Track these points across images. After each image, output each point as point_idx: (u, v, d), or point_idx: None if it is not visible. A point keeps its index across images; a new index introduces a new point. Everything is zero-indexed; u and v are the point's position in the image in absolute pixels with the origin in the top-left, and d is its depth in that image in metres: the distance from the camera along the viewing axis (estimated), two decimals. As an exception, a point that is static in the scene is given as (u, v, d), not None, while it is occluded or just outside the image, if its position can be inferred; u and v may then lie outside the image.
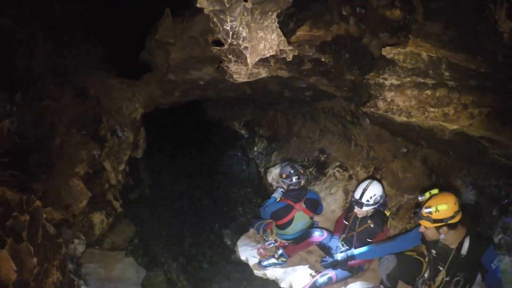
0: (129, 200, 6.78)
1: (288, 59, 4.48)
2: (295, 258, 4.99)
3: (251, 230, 5.69)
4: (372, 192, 4.30)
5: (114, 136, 6.02)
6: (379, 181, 4.88)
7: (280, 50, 4.25)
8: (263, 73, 4.87)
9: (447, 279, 3.42)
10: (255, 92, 7.26)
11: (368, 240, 4.34)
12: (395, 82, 4.18)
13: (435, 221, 3.23)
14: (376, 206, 4.33)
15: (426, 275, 3.67)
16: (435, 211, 3.21)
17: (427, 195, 3.37)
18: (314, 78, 5.53)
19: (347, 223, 4.62)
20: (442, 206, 3.22)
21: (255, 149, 9.04)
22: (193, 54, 5.97)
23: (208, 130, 11.23)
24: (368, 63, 4.66)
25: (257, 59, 3.92)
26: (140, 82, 6.90)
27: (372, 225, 4.34)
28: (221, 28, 3.56)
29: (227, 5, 3.31)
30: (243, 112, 10.71)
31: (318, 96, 6.35)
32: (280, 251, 4.88)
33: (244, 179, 8.28)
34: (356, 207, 4.36)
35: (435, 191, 3.37)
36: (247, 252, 5.24)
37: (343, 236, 4.61)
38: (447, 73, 3.87)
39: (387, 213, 4.50)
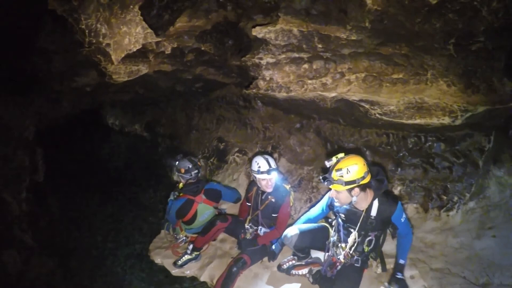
0: (39, 229, 6.20)
1: (167, 52, 4.35)
2: (209, 250, 4.97)
3: (162, 232, 5.55)
4: (272, 159, 4.41)
5: (6, 162, 5.45)
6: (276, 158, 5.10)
7: (156, 43, 4.11)
8: (144, 69, 4.74)
9: (359, 239, 3.55)
10: (148, 91, 7.08)
11: (273, 215, 4.44)
12: (271, 60, 4.28)
13: (347, 183, 3.20)
14: (278, 172, 4.45)
15: (335, 238, 3.77)
16: (347, 173, 3.18)
17: (334, 159, 3.32)
18: (200, 69, 5.50)
19: (249, 204, 4.69)
20: (353, 167, 3.19)
21: (159, 149, 8.83)
22: (77, 59, 5.59)
23: (110, 139, 10.72)
24: (245, 46, 4.70)
25: (123, 55, 3.76)
26: (26, 97, 6.32)
27: (273, 200, 4.43)
28: (77, 28, 3.35)
29: (75, 3, 3.12)
30: (143, 114, 10.42)
31: (209, 86, 6.35)
32: (191, 246, 4.82)
33: (155, 183, 8.02)
34: (266, 176, 4.37)
35: (341, 154, 3.33)
36: (161, 254, 5.11)
37: (249, 217, 4.67)
38: (320, 45, 4.03)
39: (287, 187, 4.59)
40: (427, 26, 3.47)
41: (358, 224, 3.48)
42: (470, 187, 4.38)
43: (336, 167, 3.23)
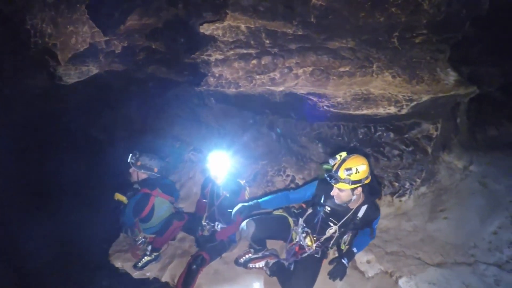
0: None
1: (117, 51, 4.29)
2: (169, 250, 4.97)
3: (121, 235, 5.47)
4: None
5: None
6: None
7: (106, 42, 4.05)
8: (95, 69, 4.69)
9: (338, 235, 3.67)
10: (102, 92, 6.95)
11: (229, 210, 4.42)
12: (220, 57, 4.34)
13: (353, 182, 3.25)
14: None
15: (307, 229, 3.80)
16: (356, 172, 3.23)
17: (339, 158, 3.36)
18: (152, 67, 5.47)
19: (205, 200, 4.72)
20: (361, 167, 3.25)
21: (116, 151, 8.64)
22: (25, 61, 5.42)
23: (66, 141, 10.37)
24: (196, 44, 4.69)
25: (70, 55, 3.69)
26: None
27: (228, 195, 4.48)
28: (23, 28, 3.29)
29: (20, 3, 3.05)
30: (99, 116, 10.14)
31: (163, 85, 6.29)
32: (150, 247, 4.82)
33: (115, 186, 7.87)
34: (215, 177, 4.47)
35: (344, 153, 3.38)
36: (121, 258, 5.06)
37: (206, 214, 4.69)
38: (267, 41, 4.11)
39: (242, 182, 4.65)
40: (371, 20, 3.61)
41: (342, 221, 3.59)
42: (420, 173, 4.56)
43: (345, 166, 3.26)
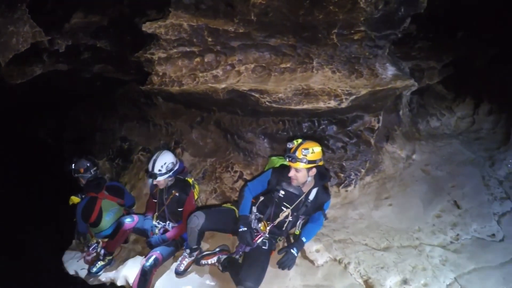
0: None
1: (61, 51, 4.23)
2: (122, 253, 4.95)
3: (74, 242, 5.41)
4: (162, 161, 4.38)
5: None
6: (173, 151, 5.12)
7: (49, 41, 3.99)
8: (38, 70, 4.62)
9: (291, 219, 3.84)
10: (48, 93, 6.79)
11: (179, 209, 4.50)
12: (163, 55, 4.36)
13: (309, 162, 3.54)
14: (171, 173, 4.45)
15: (261, 215, 3.92)
16: (312, 152, 3.55)
17: (295, 142, 3.68)
18: (98, 67, 5.43)
19: (155, 200, 4.70)
20: (317, 148, 3.60)
21: (65, 155, 8.50)
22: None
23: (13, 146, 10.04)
24: (140, 42, 4.69)
25: (11, 56, 3.62)
26: None
27: (177, 194, 4.49)
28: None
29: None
30: (46, 119, 9.90)
31: (110, 84, 6.24)
32: (102, 251, 4.75)
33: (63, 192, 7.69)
34: (152, 179, 4.43)
35: (299, 140, 3.71)
36: (74, 265, 4.99)
37: (156, 214, 4.68)
38: (210, 39, 4.18)
39: (190, 180, 4.67)
40: (311, 17, 3.72)
41: (295, 204, 3.78)
42: (364, 164, 4.79)
43: (303, 147, 3.58)
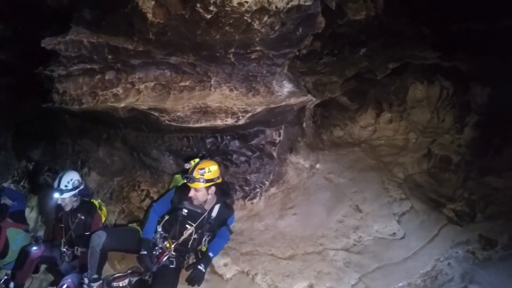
0: None
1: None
2: (34, 285, 4.70)
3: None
4: (68, 177, 4.32)
5: None
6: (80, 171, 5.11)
7: None
8: None
9: (196, 236, 3.90)
10: None
11: (86, 233, 4.36)
12: (63, 72, 4.30)
13: (207, 181, 3.68)
14: (76, 191, 4.37)
15: (166, 234, 3.94)
16: (208, 172, 3.69)
17: (192, 163, 3.83)
18: (2, 80, 5.19)
19: (62, 225, 4.53)
20: (213, 167, 3.75)
21: None
22: None
23: None
24: (40, 58, 4.58)
25: None
26: None
27: (83, 217, 4.40)
28: None
29: None
30: None
31: (14, 101, 5.99)
32: (12, 284, 4.38)
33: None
34: (58, 196, 4.27)
35: (196, 160, 3.91)
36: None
37: (63, 240, 4.51)
38: (110, 56, 4.21)
39: (96, 202, 4.61)
40: (208, 37, 3.87)
41: (198, 221, 3.88)
42: (268, 176, 5.02)
43: (199, 167, 3.72)
